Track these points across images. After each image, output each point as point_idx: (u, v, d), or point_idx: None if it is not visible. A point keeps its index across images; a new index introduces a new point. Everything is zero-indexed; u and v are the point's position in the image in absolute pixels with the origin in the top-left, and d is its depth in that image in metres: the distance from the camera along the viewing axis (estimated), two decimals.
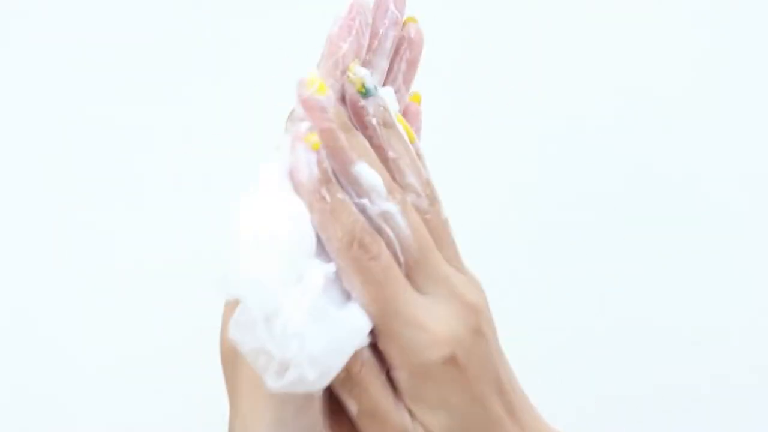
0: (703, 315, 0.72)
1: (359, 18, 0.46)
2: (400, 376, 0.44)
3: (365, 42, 0.47)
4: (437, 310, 0.44)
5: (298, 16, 0.73)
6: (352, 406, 0.44)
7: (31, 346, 0.71)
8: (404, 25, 0.49)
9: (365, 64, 0.47)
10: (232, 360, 0.45)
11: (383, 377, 0.44)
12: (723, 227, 0.73)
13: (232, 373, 0.46)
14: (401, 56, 0.49)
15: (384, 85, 0.48)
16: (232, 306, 0.43)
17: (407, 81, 0.50)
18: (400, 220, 0.44)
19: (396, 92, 0.49)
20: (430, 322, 0.44)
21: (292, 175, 0.43)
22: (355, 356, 0.43)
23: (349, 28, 0.46)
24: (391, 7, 0.48)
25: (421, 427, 0.45)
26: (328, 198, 0.43)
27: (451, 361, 0.44)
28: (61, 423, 0.71)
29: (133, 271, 0.72)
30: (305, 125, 0.43)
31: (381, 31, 0.48)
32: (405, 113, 0.49)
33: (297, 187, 0.43)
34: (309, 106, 0.43)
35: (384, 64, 0.48)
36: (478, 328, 0.45)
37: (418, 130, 0.49)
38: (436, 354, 0.44)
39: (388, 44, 0.48)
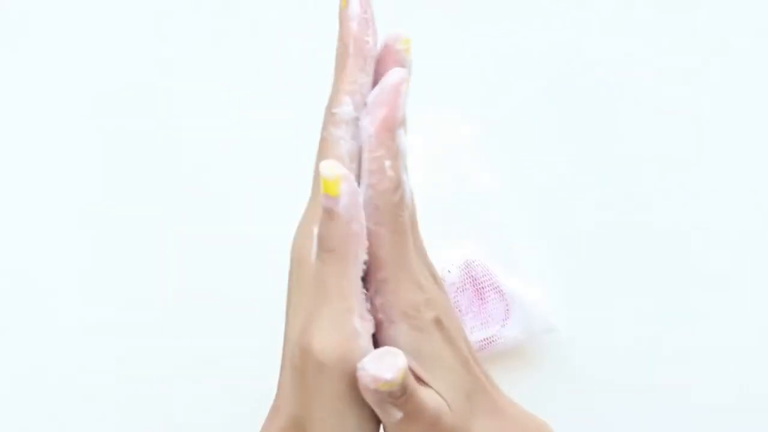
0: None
1: (369, 9, 0.47)
2: (399, 329, 0.45)
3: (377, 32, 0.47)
4: (427, 272, 0.47)
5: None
6: (394, 415, 0.44)
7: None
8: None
9: None
10: (298, 261, 0.46)
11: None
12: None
13: (299, 272, 0.46)
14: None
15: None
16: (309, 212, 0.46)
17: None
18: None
19: None
20: (425, 283, 0.46)
21: None
22: (406, 371, 0.43)
23: (366, 22, 0.46)
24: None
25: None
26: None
27: (439, 322, 0.46)
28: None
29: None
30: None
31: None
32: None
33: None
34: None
35: None
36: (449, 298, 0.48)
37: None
38: (430, 314, 0.46)
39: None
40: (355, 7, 0.46)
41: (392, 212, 0.45)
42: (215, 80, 0.72)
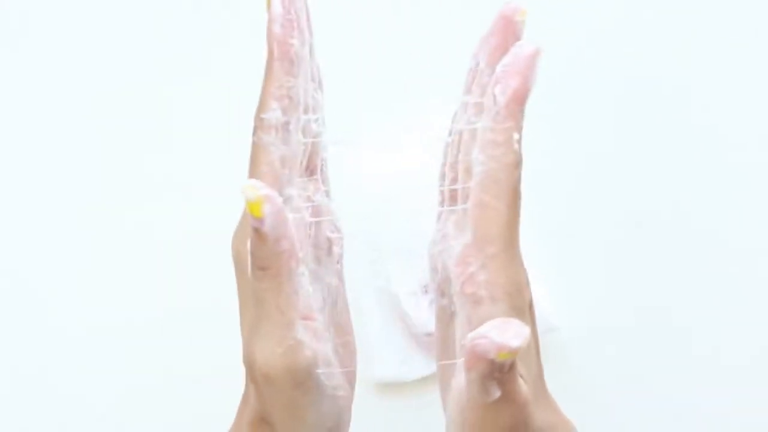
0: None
1: (293, 8, 0.45)
2: (499, 308, 0.44)
3: (308, 37, 0.46)
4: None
5: None
6: (493, 393, 0.42)
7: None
8: None
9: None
10: (237, 266, 0.46)
11: None
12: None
13: (241, 279, 0.47)
14: None
15: None
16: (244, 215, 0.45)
17: None
18: None
19: None
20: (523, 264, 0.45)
21: None
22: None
23: (291, 23, 0.45)
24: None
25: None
26: None
27: (532, 306, 0.46)
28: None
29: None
30: None
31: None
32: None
33: None
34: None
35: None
36: None
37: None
38: (528, 295, 0.45)
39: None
40: (276, 8, 0.45)
41: (513, 187, 0.44)
42: (215, 80, 0.72)
